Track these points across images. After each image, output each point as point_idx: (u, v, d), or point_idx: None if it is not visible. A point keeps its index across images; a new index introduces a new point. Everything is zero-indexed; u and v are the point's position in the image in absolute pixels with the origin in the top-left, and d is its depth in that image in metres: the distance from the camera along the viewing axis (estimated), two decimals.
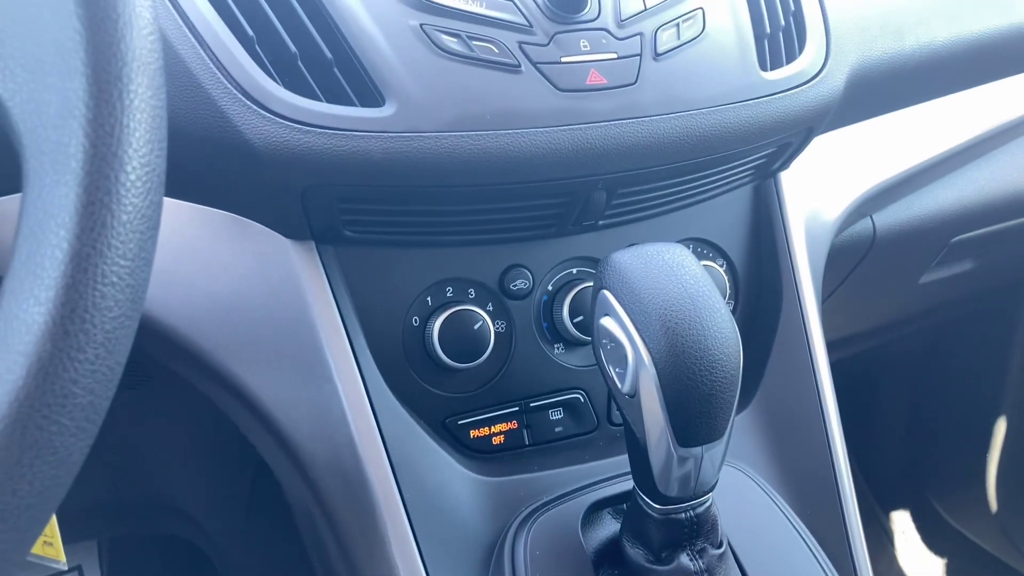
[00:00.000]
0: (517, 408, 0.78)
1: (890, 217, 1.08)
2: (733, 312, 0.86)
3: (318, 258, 0.69)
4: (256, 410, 0.70)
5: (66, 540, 0.80)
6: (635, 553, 0.64)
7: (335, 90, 0.63)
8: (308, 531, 0.81)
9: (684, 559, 0.62)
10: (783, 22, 0.78)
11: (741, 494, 0.76)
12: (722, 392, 0.55)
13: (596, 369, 0.77)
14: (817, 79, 0.78)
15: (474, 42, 0.64)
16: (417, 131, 0.62)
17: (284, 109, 0.61)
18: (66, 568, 0.81)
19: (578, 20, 0.67)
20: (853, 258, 1.09)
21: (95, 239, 0.36)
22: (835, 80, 0.80)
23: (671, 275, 0.56)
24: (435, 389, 0.75)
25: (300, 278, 0.68)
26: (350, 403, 0.69)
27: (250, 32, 0.62)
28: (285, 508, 0.86)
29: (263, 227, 0.69)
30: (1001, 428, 1.58)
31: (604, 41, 0.67)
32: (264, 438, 0.73)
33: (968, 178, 1.14)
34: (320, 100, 0.62)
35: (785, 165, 0.85)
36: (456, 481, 0.72)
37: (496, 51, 0.64)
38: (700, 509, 0.62)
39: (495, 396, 0.77)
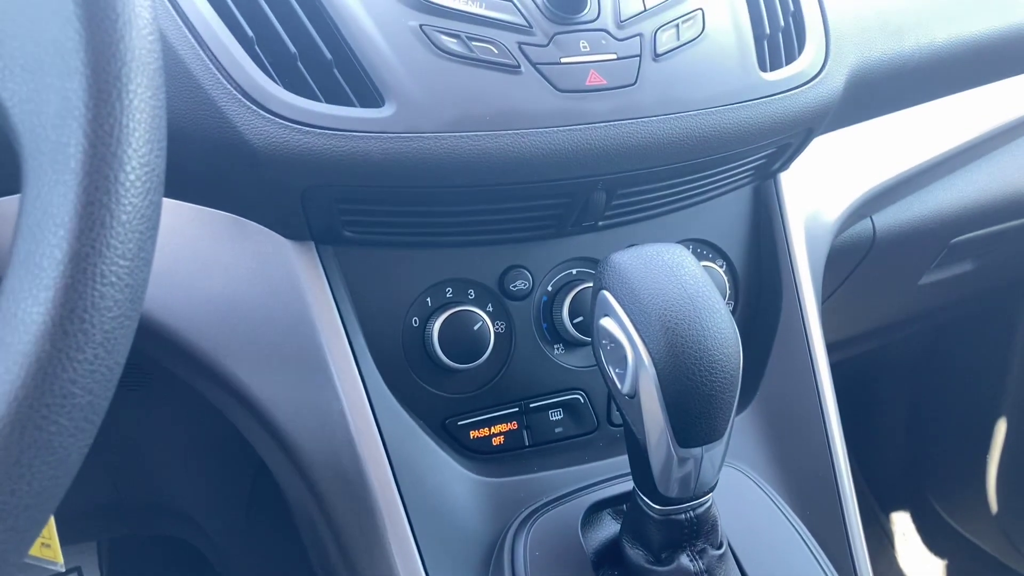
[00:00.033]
0: (517, 409, 0.78)
1: (890, 218, 1.08)
2: (733, 313, 0.86)
3: (318, 259, 0.69)
4: (255, 411, 0.70)
5: (65, 541, 0.80)
6: (635, 554, 0.64)
7: (335, 90, 0.63)
8: (308, 532, 0.81)
9: (684, 560, 0.62)
10: (783, 23, 0.78)
11: (741, 495, 0.76)
12: (722, 393, 0.55)
13: (596, 370, 0.77)
14: (817, 80, 0.78)
15: (474, 43, 0.64)
16: (417, 132, 0.62)
17: (283, 109, 0.61)
18: (64, 570, 0.81)
19: (578, 21, 0.67)
20: (853, 259, 1.09)
21: (94, 239, 0.36)
22: (835, 81, 0.80)
23: (671, 276, 0.56)
24: (435, 390, 0.75)
25: (300, 279, 0.68)
26: (350, 404, 0.69)
27: (250, 32, 0.62)
28: (285, 509, 0.86)
29: (262, 227, 0.69)
30: (1001, 429, 1.58)
31: (604, 42, 0.67)
32: (263, 439, 0.73)
33: (968, 179, 1.14)
34: (320, 100, 0.62)
35: (785, 166, 0.85)
36: (456, 482, 0.72)
37: (496, 52, 0.64)
38: (700, 510, 0.61)
39: (495, 397, 0.77)
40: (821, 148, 0.90)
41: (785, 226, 0.86)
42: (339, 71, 0.63)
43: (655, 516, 0.61)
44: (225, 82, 0.61)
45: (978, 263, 1.28)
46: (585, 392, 0.80)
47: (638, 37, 0.69)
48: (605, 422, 0.81)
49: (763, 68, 0.75)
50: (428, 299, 0.73)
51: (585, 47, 0.67)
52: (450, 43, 0.63)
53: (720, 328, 0.55)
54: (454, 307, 0.73)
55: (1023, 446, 1.57)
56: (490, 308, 0.75)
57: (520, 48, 0.65)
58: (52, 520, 0.77)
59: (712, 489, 0.61)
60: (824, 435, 0.84)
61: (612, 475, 0.74)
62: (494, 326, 0.75)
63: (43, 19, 0.38)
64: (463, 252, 0.74)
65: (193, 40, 0.61)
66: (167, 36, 0.61)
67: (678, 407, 0.55)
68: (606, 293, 0.58)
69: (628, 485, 0.69)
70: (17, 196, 0.38)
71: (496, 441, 0.77)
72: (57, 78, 0.37)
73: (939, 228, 1.12)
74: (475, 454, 0.76)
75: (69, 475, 0.37)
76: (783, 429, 0.84)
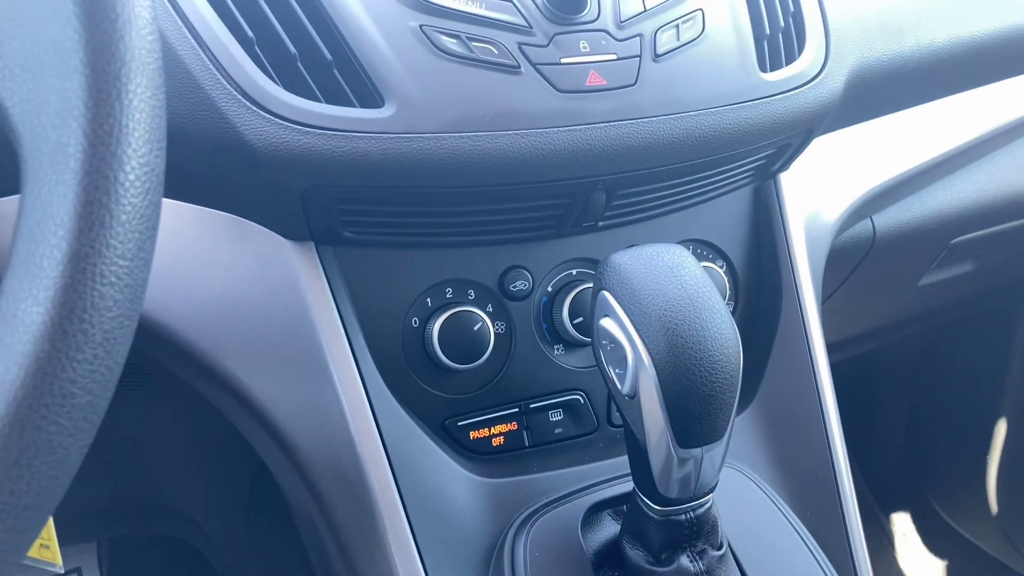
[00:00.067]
0: (517, 409, 0.78)
1: (890, 218, 1.08)
2: (733, 313, 0.86)
3: (317, 259, 0.69)
4: (255, 411, 0.70)
5: (65, 542, 0.80)
6: (635, 554, 0.64)
7: (335, 91, 0.63)
8: (307, 532, 0.81)
9: (684, 560, 0.62)
10: (783, 23, 0.78)
11: (741, 495, 0.76)
12: (722, 393, 0.55)
13: (596, 370, 0.77)
14: (816, 80, 0.78)
15: (474, 43, 0.64)
16: (416, 132, 0.62)
17: (283, 110, 0.61)
18: (63, 571, 0.80)
19: (578, 21, 0.67)
20: (853, 259, 1.09)
21: (94, 239, 0.36)
22: (835, 81, 0.80)
23: (671, 276, 0.56)
24: (435, 390, 0.75)
25: (300, 279, 0.68)
26: (350, 404, 0.69)
27: (250, 33, 0.62)
28: (285, 509, 0.86)
29: (262, 228, 0.69)
30: (1001, 429, 1.58)
31: (604, 42, 0.67)
32: (263, 439, 0.73)
33: (968, 179, 1.14)
34: (319, 101, 0.62)
35: (785, 166, 0.85)
36: (456, 482, 0.72)
37: (496, 52, 0.64)
38: (700, 510, 0.61)
39: (495, 397, 0.77)
40: (821, 148, 0.90)
41: (785, 226, 0.85)
42: (339, 71, 0.63)
43: (655, 517, 0.61)
44: (225, 82, 0.61)
45: (978, 264, 1.28)
46: (585, 392, 0.80)
47: (638, 37, 0.69)
48: (605, 423, 0.81)
49: (763, 68, 0.75)
50: (428, 299, 0.73)
51: (585, 47, 0.67)
52: (450, 43, 0.63)
53: (720, 328, 0.55)
54: (454, 307, 0.73)
55: (1023, 447, 1.57)
56: (490, 308, 0.75)
57: (520, 48, 0.65)
58: (51, 521, 0.76)
59: (712, 490, 0.61)
60: (824, 435, 0.84)
61: (612, 476, 0.74)
62: (494, 326, 0.75)
63: (43, 19, 0.38)
64: (463, 252, 0.74)
65: (193, 40, 0.61)
66: (167, 36, 0.61)
67: (678, 408, 0.55)
68: (606, 293, 0.58)
69: (628, 486, 0.69)
70: (17, 196, 0.38)
71: (496, 442, 0.77)
72: (57, 78, 0.37)
73: (939, 228, 1.12)
74: (475, 454, 0.76)
75: (68, 475, 0.37)
76: (783, 429, 0.84)
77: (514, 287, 0.75)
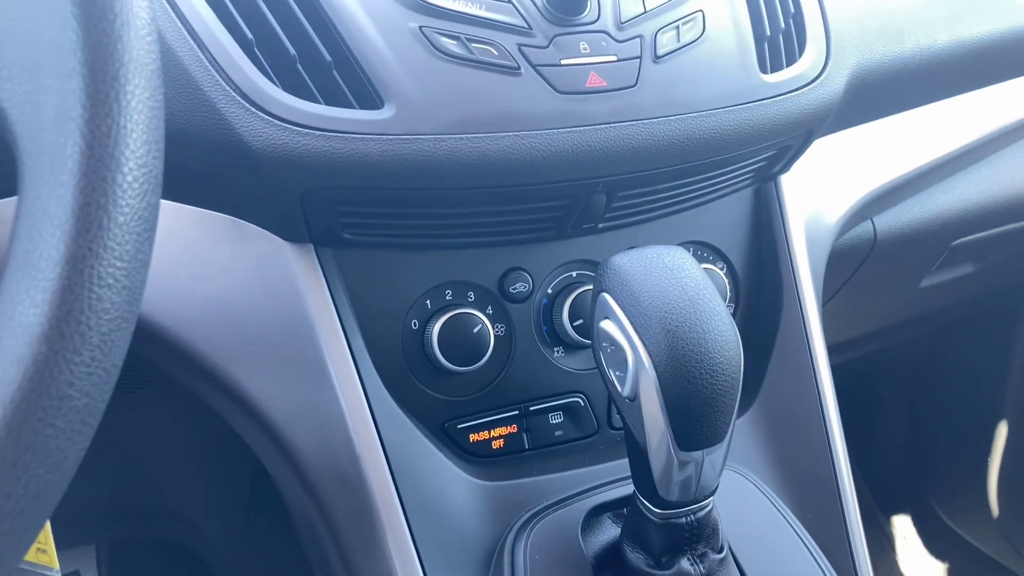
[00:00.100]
0: (517, 412, 0.78)
1: (891, 220, 1.08)
2: (733, 315, 0.86)
3: (317, 261, 0.69)
4: (254, 414, 0.70)
5: (64, 544, 0.79)
6: (635, 558, 0.64)
7: (334, 92, 0.62)
8: (307, 535, 0.81)
9: (685, 564, 0.62)
10: (783, 24, 0.78)
11: (742, 498, 0.76)
12: (723, 396, 0.55)
13: (596, 372, 0.77)
14: (817, 82, 0.78)
15: (473, 44, 0.64)
16: (416, 133, 0.62)
17: (283, 111, 0.61)
18: (61, 575, 0.80)
19: (578, 22, 0.67)
20: (854, 261, 1.09)
21: (91, 241, 0.36)
22: (835, 83, 0.80)
23: (671, 278, 0.56)
24: (434, 393, 0.75)
25: (299, 281, 0.68)
26: (349, 407, 0.68)
27: (249, 34, 0.62)
28: (284, 512, 0.86)
29: (262, 230, 0.68)
30: (1002, 432, 1.58)
31: (604, 43, 0.67)
32: (262, 442, 0.72)
33: (969, 181, 1.14)
34: (319, 102, 0.62)
35: (785, 168, 0.85)
36: (455, 485, 0.72)
37: (495, 53, 0.64)
38: (701, 513, 0.61)
39: (495, 400, 0.77)
40: (822, 150, 0.90)
41: (786, 228, 0.85)
42: (338, 73, 0.63)
43: (656, 520, 0.61)
44: (224, 84, 0.60)
45: (979, 265, 1.28)
46: (585, 395, 0.80)
47: (638, 39, 0.68)
48: (605, 425, 0.81)
49: (763, 70, 0.75)
50: (428, 301, 0.73)
51: (585, 49, 0.67)
52: (450, 45, 0.63)
53: (721, 331, 0.55)
54: (454, 309, 0.72)
55: None
56: (490, 310, 0.75)
57: (520, 50, 0.65)
58: (48, 525, 0.76)
59: (713, 493, 0.61)
60: (825, 438, 0.84)
61: (612, 479, 0.74)
62: (494, 329, 0.75)
63: (41, 20, 0.38)
64: (463, 254, 0.74)
65: (192, 42, 0.61)
66: (166, 38, 0.61)
67: (679, 410, 0.55)
68: (606, 295, 0.58)
69: (628, 489, 0.69)
70: (15, 198, 0.38)
71: (496, 444, 0.77)
72: (55, 79, 0.37)
73: (940, 230, 1.12)
74: (475, 457, 0.76)
75: (66, 478, 0.37)
76: (784, 432, 0.83)
77: (514, 289, 0.75)
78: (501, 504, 0.73)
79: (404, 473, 0.69)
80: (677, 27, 0.70)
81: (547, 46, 0.66)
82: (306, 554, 0.86)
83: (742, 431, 0.82)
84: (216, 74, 0.61)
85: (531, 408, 0.78)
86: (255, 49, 0.62)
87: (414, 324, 0.73)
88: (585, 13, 0.67)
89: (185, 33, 0.61)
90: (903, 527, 1.76)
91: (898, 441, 1.73)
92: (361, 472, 0.68)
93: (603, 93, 0.67)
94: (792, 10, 0.80)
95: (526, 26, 0.65)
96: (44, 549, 0.78)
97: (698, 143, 0.70)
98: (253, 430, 0.72)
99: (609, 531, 0.71)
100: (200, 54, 0.61)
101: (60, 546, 0.80)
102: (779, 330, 0.85)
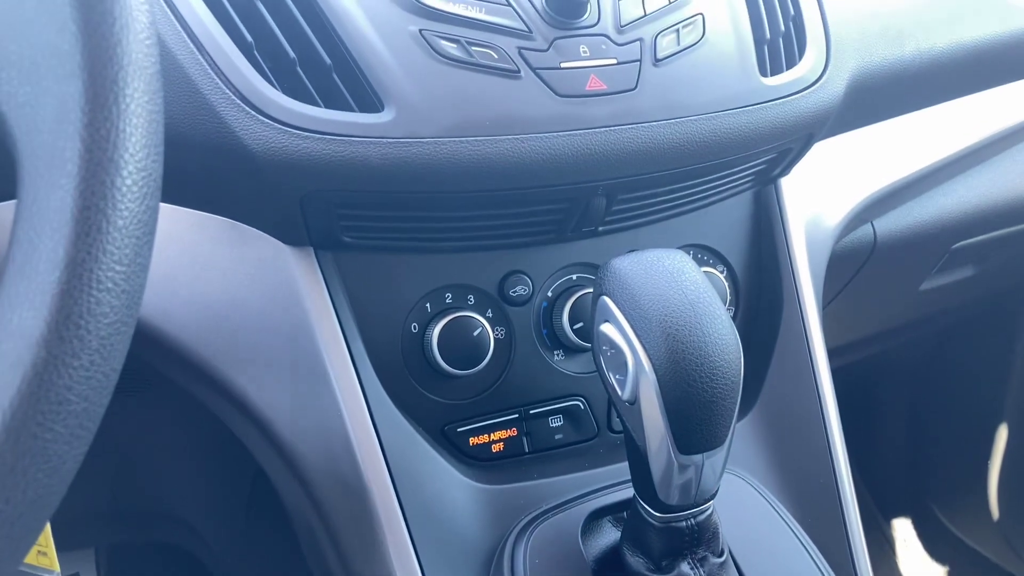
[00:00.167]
0: (517, 415, 0.77)
1: (891, 223, 1.07)
2: (733, 319, 0.86)
3: (317, 264, 0.69)
4: (254, 417, 0.69)
5: (63, 548, 0.79)
6: (636, 562, 0.63)
7: (334, 95, 0.62)
8: (306, 538, 0.80)
9: (685, 567, 0.62)
10: (783, 27, 0.78)
11: (742, 502, 0.76)
12: (723, 399, 0.55)
13: (596, 376, 0.77)
14: (817, 85, 0.78)
15: (473, 47, 0.64)
16: (416, 137, 0.62)
17: (283, 115, 0.61)
18: None
19: (578, 26, 0.67)
20: (854, 264, 1.09)
21: (90, 244, 0.35)
22: (835, 86, 0.80)
23: (671, 281, 0.56)
24: (434, 396, 0.75)
25: (299, 284, 0.68)
26: (348, 410, 0.68)
27: (248, 37, 0.62)
28: (283, 515, 0.86)
29: (261, 233, 0.68)
30: (1003, 435, 1.58)
31: (604, 47, 0.67)
32: (262, 445, 0.72)
33: (969, 184, 1.13)
34: (319, 105, 0.62)
35: (785, 171, 0.85)
36: (455, 489, 0.72)
37: (495, 56, 0.64)
38: (701, 517, 0.61)
39: (494, 403, 0.77)
40: (822, 153, 0.90)
41: (786, 231, 0.85)
42: (338, 76, 0.63)
43: (656, 524, 0.61)
44: (224, 87, 0.60)
45: (979, 268, 1.28)
46: (585, 398, 0.79)
47: (638, 42, 0.68)
48: (605, 429, 0.81)
49: (764, 73, 0.75)
50: (427, 305, 0.73)
51: (585, 52, 0.67)
52: (450, 48, 0.63)
53: (721, 334, 0.55)
54: (454, 313, 0.72)
55: None
56: (490, 314, 0.75)
57: (520, 53, 0.65)
58: (48, 527, 0.76)
59: (713, 496, 0.61)
60: (825, 441, 0.84)
61: (612, 482, 0.74)
62: (494, 332, 0.74)
63: (40, 23, 0.38)
64: (463, 257, 0.74)
65: (192, 45, 0.61)
66: (165, 41, 0.61)
67: (679, 413, 0.55)
68: (606, 299, 0.58)
69: (628, 492, 0.68)
70: (14, 202, 0.38)
71: (496, 448, 0.77)
72: (54, 82, 0.37)
73: (940, 233, 1.12)
74: (474, 461, 0.76)
75: (65, 482, 0.37)
76: (784, 435, 0.83)
77: (514, 292, 0.75)
78: (501, 508, 0.72)
79: (404, 476, 0.69)
80: (677, 30, 0.70)
81: (547, 49, 0.66)
82: (305, 558, 0.86)
83: (742, 434, 0.82)
84: (216, 77, 0.60)
85: (531, 411, 0.78)
86: (255, 52, 0.62)
87: (414, 327, 0.73)
88: (585, 16, 0.67)
89: (184, 36, 0.61)
90: (903, 530, 1.76)
91: (898, 444, 1.73)
92: (360, 475, 0.68)
93: (603, 96, 0.67)
94: (792, 13, 0.80)
95: (526, 29, 0.65)
96: (44, 552, 0.78)
97: (698, 146, 0.70)
98: (252, 433, 0.72)
99: (609, 535, 0.71)
100: (200, 57, 0.61)
101: (59, 548, 0.80)
102: (779, 333, 0.85)
